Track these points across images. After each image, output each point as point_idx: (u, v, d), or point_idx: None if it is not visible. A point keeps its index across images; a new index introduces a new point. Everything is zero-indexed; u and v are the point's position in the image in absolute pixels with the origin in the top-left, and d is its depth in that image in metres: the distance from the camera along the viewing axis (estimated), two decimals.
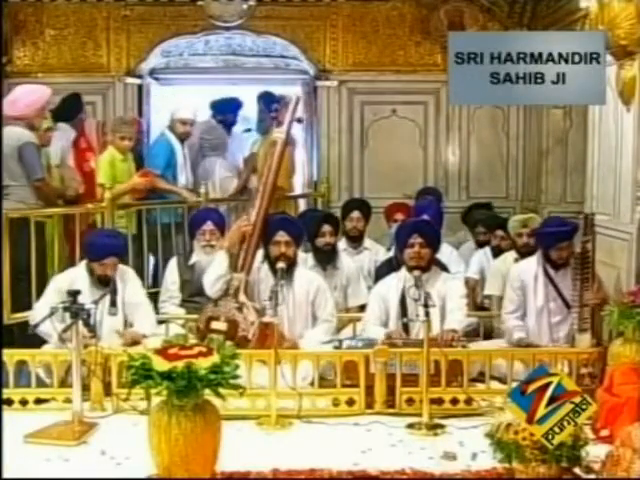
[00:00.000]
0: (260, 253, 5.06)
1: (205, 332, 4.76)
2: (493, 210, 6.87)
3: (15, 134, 5.54)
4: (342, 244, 6.10)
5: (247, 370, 4.21)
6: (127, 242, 5.44)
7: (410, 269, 4.85)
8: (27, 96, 5.66)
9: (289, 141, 6.75)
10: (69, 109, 6.51)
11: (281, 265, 4.74)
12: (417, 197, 7.01)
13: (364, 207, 6.28)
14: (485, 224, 6.30)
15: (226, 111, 7.32)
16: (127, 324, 4.96)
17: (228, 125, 7.30)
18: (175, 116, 6.73)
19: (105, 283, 4.87)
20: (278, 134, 5.38)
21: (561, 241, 4.95)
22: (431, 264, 4.95)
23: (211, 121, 7.25)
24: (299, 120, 5.74)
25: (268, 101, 6.74)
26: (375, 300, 5.03)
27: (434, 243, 5.00)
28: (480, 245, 6.27)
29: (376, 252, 6.20)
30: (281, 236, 4.91)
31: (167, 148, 6.64)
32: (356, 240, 6.17)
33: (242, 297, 4.86)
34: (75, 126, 6.45)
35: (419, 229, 4.97)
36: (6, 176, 5.50)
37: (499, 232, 5.98)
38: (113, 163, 6.23)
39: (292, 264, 4.92)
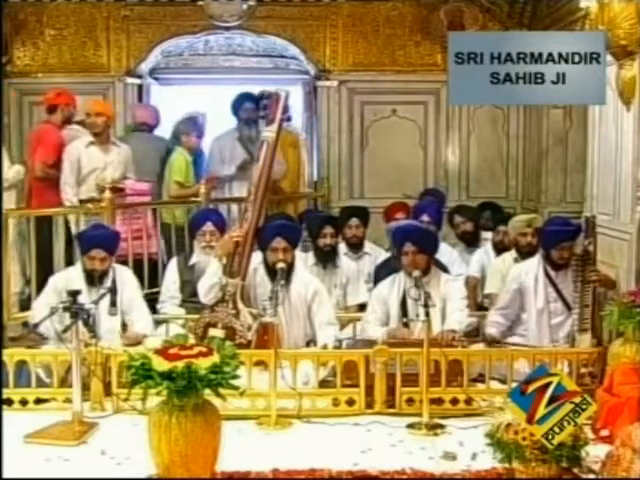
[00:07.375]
0: (255, 257, 5.04)
1: (202, 339, 4.71)
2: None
3: (164, 140, 6.62)
4: (343, 248, 6.02)
5: (247, 370, 4.21)
6: (117, 236, 5.15)
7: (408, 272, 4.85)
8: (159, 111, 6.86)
9: (300, 144, 6.77)
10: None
11: (281, 265, 4.73)
12: (420, 198, 6.99)
13: (361, 213, 6.13)
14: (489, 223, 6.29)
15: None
16: (124, 324, 4.94)
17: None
18: None
19: (98, 280, 4.84)
20: (268, 133, 5.10)
21: (564, 241, 4.94)
22: (429, 266, 4.92)
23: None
24: (288, 119, 5.54)
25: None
26: (376, 301, 5.01)
27: (429, 247, 4.95)
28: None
29: (376, 257, 6.08)
30: (278, 242, 4.82)
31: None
32: (356, 246, 6.07)
33: (239, 304, 4.82)
34: None
35: (411, 237, 4.91)
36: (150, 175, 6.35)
37: (501, 228, 5.96)
38: (186, 163, 6.40)
39: (290, 268, 4.87)
